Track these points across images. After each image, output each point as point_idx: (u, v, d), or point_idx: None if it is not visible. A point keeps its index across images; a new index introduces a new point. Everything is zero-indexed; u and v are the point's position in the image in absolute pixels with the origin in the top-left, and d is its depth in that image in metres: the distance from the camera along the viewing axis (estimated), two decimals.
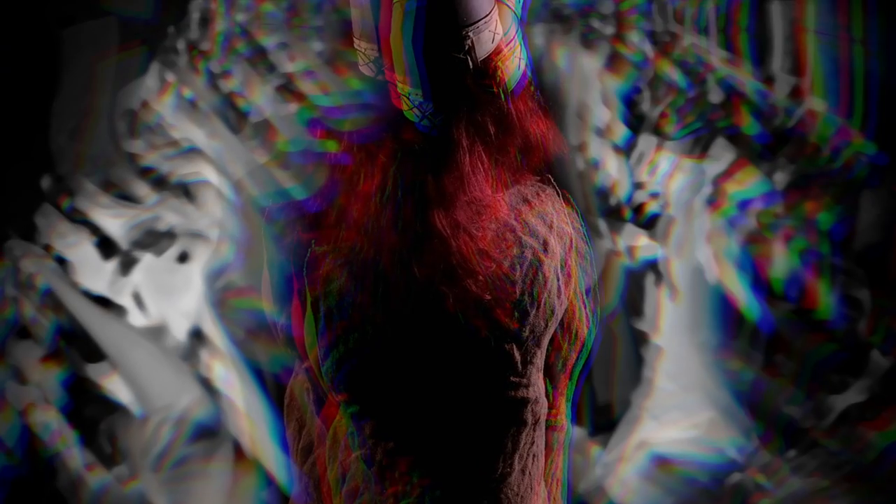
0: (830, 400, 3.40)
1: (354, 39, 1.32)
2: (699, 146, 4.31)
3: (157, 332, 3.45)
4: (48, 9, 4.10)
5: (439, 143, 1.30)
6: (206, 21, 5.87)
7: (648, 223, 4.16)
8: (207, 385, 3.36)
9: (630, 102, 5.39)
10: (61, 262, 3.96)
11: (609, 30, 5.63)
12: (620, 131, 4.88)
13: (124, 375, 3.30)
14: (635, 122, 5.13)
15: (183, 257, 3.76)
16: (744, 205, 3.96)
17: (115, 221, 4.04)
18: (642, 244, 4.10)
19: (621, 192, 4.44)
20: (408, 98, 1.29)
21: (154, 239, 3.81)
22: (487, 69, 1.32)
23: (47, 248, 3.98)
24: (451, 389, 1.38)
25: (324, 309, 1.35)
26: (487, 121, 1.31)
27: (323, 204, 1.37)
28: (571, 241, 1.44)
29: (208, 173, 4.28)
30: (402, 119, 1.32)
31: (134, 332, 3.38)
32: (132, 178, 4.26)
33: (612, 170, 4.51)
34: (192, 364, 3.37)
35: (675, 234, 4.02)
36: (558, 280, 1.40)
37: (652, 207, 4.30)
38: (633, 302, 3.70)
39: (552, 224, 1.40)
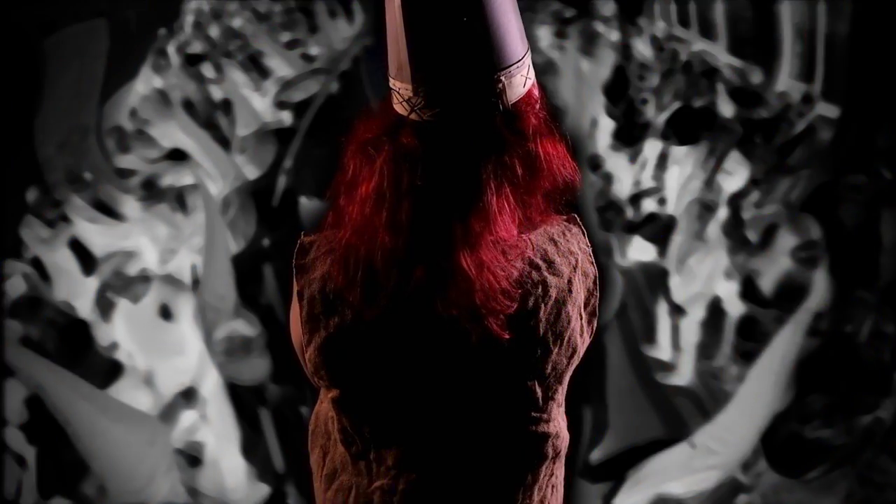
0: (856, 420, 3.38)
1: (390, 78, 1.34)
2: (712, 158, 4.23)
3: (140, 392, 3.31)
4: (32, 14, 3.96)
5: (449, 164, 1.32)
6: (199, 24, 5.77)
7: (657, 237, 4.09)
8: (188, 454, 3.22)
9: (634, 110, 5.34)
10: (45, 277, 3.83)
11: (614, 35, 5.57)
12: (626, 140, 4.81)
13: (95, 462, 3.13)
14: (640, 130, 5.08)
15: (165, 312, 3.63)
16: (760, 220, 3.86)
17: (99, 235, 3.92)
18: (649, 258, 4.03)
19: (629, 202, 4.35)
20: (406, 102, 1.33)
21: (129, 282, 3.67)
22: (518, 112, 1.33)
23: (34, 261, 3.86)
24: (473, 424, 1.40)
25: (307, 295, 1.40)
26: (516, 163, 1.32)
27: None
28: (595, 281, 1.46)
29: (196, 182, 4.19)
30: (400, 124, 1.33)
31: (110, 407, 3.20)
32: (118, 191, 4.14)
33: (621, 181, 4.44)
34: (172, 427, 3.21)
35: (680, 246, 3.94)
36: (581, 319, 1.42)
37: (661, 219, 4.22)
38: (648, 331, 3.65)
39: (576, 264, 1.41)
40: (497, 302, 1.30)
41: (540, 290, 1.36)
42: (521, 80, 1.32)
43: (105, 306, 3.47)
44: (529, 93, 1.35)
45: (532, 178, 1.33)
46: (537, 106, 1.35)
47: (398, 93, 1.33)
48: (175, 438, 3.11)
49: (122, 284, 3.53)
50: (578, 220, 1.45)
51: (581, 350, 1.43)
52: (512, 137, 1.32)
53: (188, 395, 3.26)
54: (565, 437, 1.48)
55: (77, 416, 2.96)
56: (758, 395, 3.18)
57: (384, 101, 1.36)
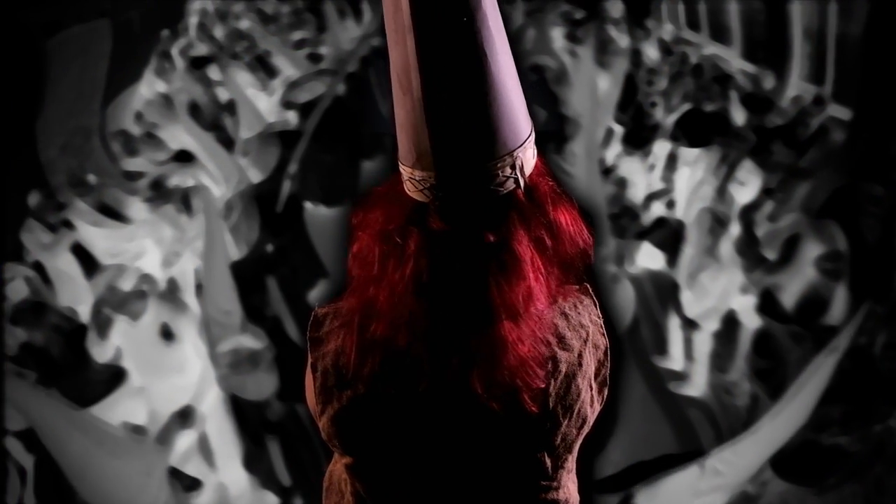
0: (870, 429, 3.37)
1: (404, 167, 1.36)
2: (724, 165, 4.18)
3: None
4: (36, 14, 3.92)
5: (487, 244, 1.35)
6: (203, 25, 5.74)
7: (666, 242, 4.05)
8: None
9: (643, 114, 5.29)
10: (47, 281, 3.78)
11: (624, 41, 5.52)
12: (636, 143, 4.77)
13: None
14: (649, 132, 5.04)
15: (168, 335, 3.57)
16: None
17: (102, 238, 3.88)
18: (658, 266, 3.98)
19: (642, 208, 4.31)
20: (429, 189, 1.35)
21: (127, 298, 3.62)
22: (534, 184, 1.39)
23: (36, 265, 3.82)
24: (484, 493, 1.43)
25: (321, 367, 1.43)
26: (543, 233, 1.37)
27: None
28: (606, 352, 1.49)
29: (197, 184, 4.14)
30: (423, 209, 1.36)
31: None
32: (123, 192, 4.10)
33: (635, 185, 4.40)
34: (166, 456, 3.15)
35: (692, 260, 3.90)
36: (591, 389, 1.46)
37: (670, 224, 4.18)
38: (658, 341, 3.62)
39: (587, 337, 1.45)
40: (534, 374, 1.34)
41: (550, 365, 1.39)
42: (532, 153, 1.38)
43: (103, 322, 3.42)
44: (537, 163, 1.39)
45: (557, 246, 1.37)
46: (545, 174, 1.40)
47: (416, 181, 1.36)
48: (174, 460, 3.06)
49: (118, 301, 3.47)
50: (591, 290, 1.49)
51: (591, 420, 1.46)
52: (534, 209, 1.37)
53: (188, 413, 3.21)
54: (575, 499, 1.51)
55: (72, 449, 2.91)
56: (778, 427, 3.15)
57: (391, 187, 1.39)
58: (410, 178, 1.36)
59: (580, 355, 1.42)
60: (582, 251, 1.41)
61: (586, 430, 1.45)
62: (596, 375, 1.46)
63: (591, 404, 1.45)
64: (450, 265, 1.34)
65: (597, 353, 1.46)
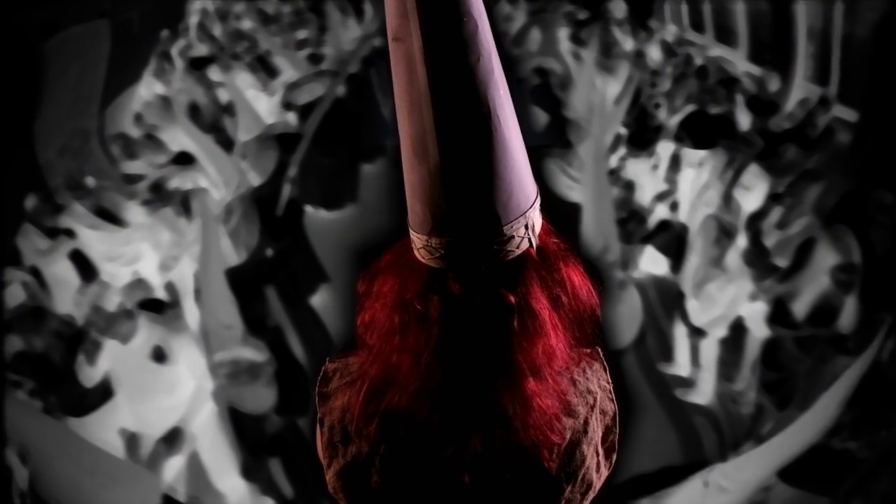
0: (877, 435, 3.35)
1: (418, 235, 1.38)
2: (729, 169, 4.15)
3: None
4: (34, 15, 3.88)
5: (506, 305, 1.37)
6: (203, 25, 5.71)
7: (669, 247, 4.02)
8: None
9: (647, 115, 5.27)
10: (43, 285, 3.75)
11: (629, 44, 5.49)
12: (640, 145, 4.75)
13: None
14: (652, 133, 5.01)
15: (160, 355, 3.54)
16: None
17: (100, 242, 3.84)
18: (662, 271, 3.95)
19: (648, 211, 4.27)
20: (445, 256, 1.37)
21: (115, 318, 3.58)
22: (544, 243, 1.42)
23: (33, 270, 3.78)
24: None
25: (327, 422, 1.45)
26: (558, 291, 1.40)
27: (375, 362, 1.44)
28: (614, 417, 1.50)
29: (195, 187, 4.11)
30: (441, 275, 1.38)
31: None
32: (121, 195, 4.07)
33: (643, 188, 4.37)
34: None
35: (697, 270, 3.87)
36: (598, 455, 1.46)
37: (674, 227, 4.15)
38: (664, 348, 3.60)
39: (594, 403, 1.46)
40: (554, 429, 1.36)
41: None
42: (538, 213, 1.40)
43: (91, 346, 3.39)
44: (543, 222, 1.42)
45: (570, 303, 1.39)
46: (551, 232, 1.43)
47: (432, 248, 1.37)
48: (167, 482, 3.01)
49: (106, 321, 3.44)
50: (601, 354, 1.49)
51: (598, 484, 1.46)
52: (547, 267, 1.40)
53: (180, 433, 3.17)
54: None
55: (64, 478, 2.86)
56: (785, 442, 3.12)
57: (399, 255, 1.41)
58: (426, 245, 1.37)
59: (586, 422, 1.43)
60: (592, 308, 1.42)
61: (592, 494, 1.46)
62: (603, 441, 1.47)
63: (597, 470, 1.45)
64: (472, 328, 1.36)
65: (604, 419, 1.47)
